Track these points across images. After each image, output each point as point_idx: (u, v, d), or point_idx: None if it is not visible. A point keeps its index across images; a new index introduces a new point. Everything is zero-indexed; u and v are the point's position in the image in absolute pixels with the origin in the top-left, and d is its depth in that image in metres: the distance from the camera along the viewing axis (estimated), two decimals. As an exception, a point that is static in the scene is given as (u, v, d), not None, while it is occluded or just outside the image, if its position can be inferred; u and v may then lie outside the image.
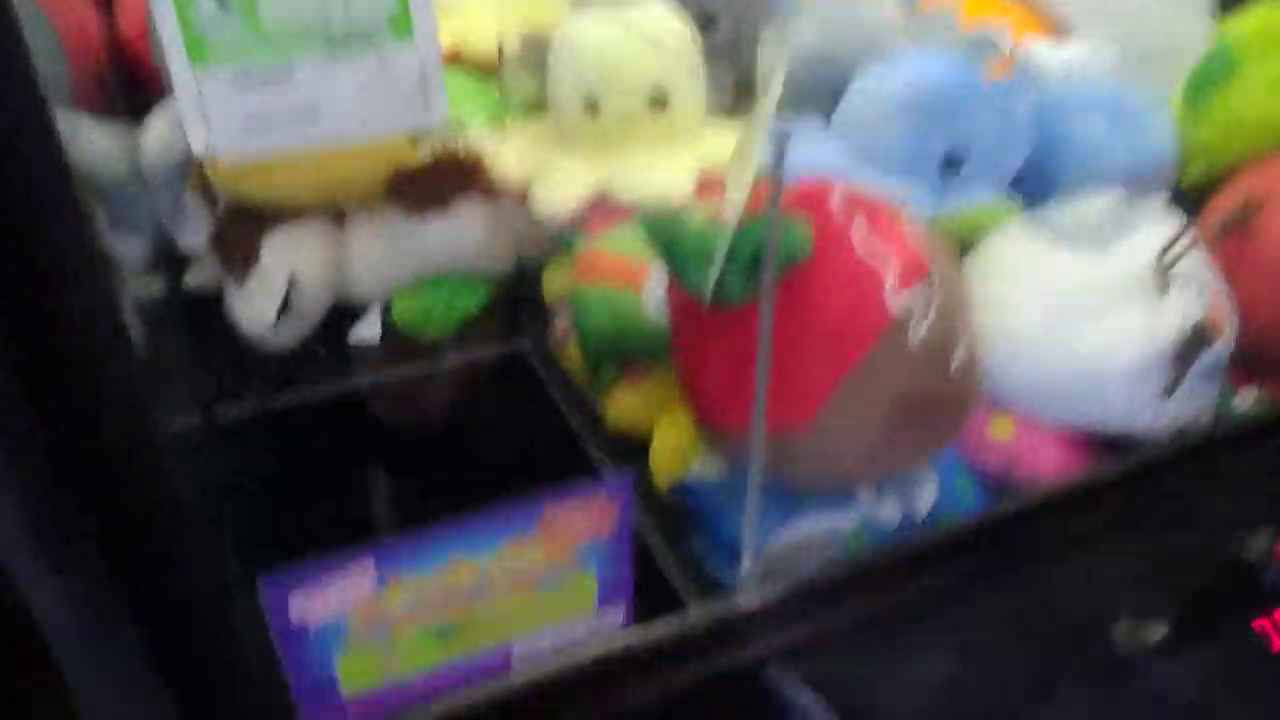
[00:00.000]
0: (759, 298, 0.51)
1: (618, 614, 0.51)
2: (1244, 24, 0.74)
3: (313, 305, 0.80)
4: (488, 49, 0.87)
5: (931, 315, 0.53)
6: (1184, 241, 0.61)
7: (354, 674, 0.47)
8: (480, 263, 0.82)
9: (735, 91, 0.84)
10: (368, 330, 0.83)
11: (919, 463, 0.60)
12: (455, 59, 0.87)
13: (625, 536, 0.48)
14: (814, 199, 0.55)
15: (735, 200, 0.51)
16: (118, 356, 0.37)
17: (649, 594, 0.53)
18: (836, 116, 0.74)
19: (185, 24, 0.59)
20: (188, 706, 0.44)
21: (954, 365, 0.54)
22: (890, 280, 0.52)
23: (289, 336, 0.80)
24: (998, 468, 0.66)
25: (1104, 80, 0.75)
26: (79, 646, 0.40)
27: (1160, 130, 0.74)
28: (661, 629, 0.52)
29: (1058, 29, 0.90)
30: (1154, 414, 0.64)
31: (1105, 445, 0.67)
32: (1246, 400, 0.72)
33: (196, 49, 0.59)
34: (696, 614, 0.54)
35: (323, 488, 0.76)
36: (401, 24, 0.63)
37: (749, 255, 0.52)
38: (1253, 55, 0.72)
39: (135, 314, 0.76)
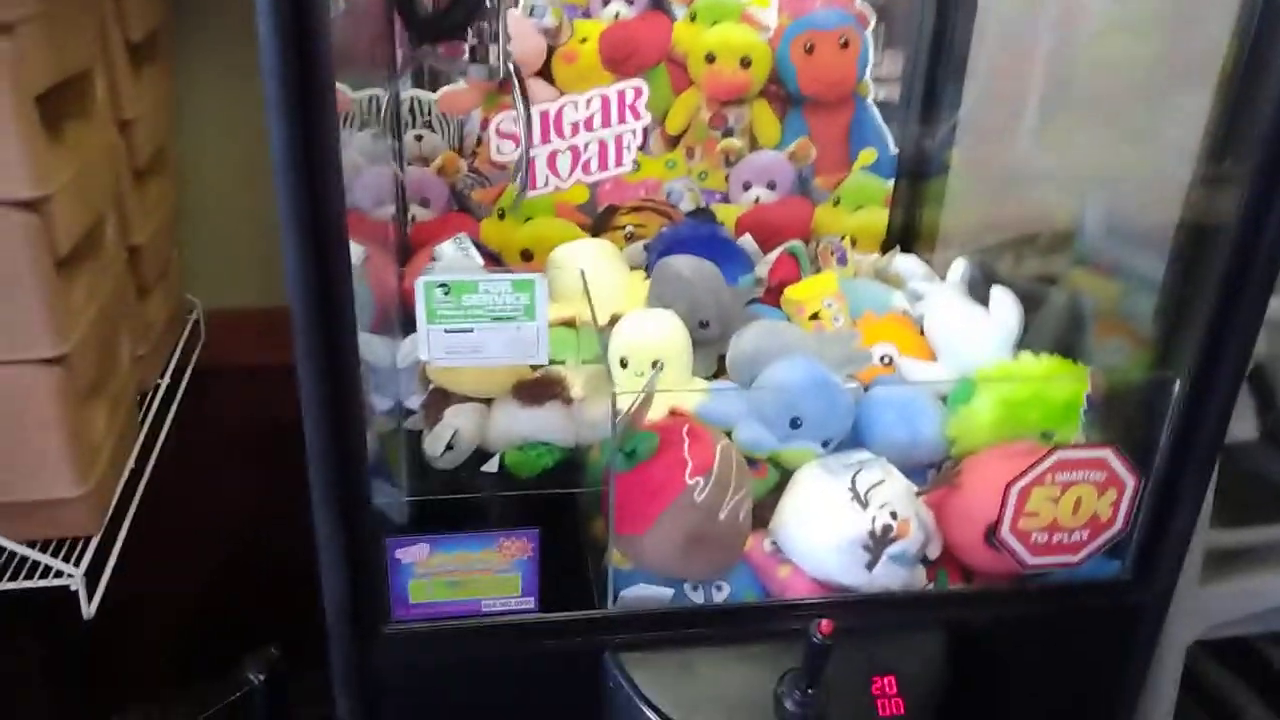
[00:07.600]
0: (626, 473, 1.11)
1: (531, 600, 1.10)
2: (989, 370, 1.28)
3: (465, 449, 1.47)
4: (587, 319, 1.54)
5: (708, 490, 1.10)
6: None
7: (416, 593, 1.09)
8: (557, 437, 1.46)
9: (718, 365, 1.45)
10: (491, 468, 1.49)
11: (713, 573, 1.15)
12: (570, 323, 1.54)
13: (535, 560, 1.07)
14: (669, 428, 1.15)
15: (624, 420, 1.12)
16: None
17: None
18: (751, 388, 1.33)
19: (428, 300, 1.27)
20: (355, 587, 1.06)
21: (722, 517, 1.10)
22: (689, 469, 1.10)
23: (449, 463, 1.47)
24: (778, 589, 1.19)
25: (909, 388, 1.29)
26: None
27: (932, 423, 1.27)
28: (552, 616, 1.11)
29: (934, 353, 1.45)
30: (865, 580, 1.15)
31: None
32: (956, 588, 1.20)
33: (431, 313, 1.27)
34: (573, 614, 1.12)
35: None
36: (530, 312, 1.28)
37: (628, 452, 1.12)
38: (984, 386, 1.25)
39: (377, 438, 1.46)
